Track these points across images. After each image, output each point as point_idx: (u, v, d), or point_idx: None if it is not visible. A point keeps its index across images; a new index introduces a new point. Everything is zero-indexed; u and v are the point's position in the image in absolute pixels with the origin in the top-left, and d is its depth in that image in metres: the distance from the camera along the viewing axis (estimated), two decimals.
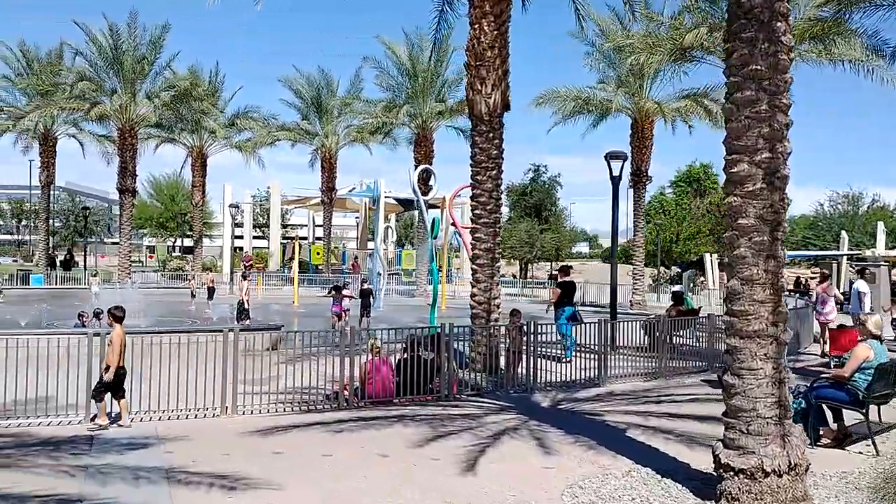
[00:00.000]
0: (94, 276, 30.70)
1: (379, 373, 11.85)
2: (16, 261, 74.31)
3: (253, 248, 60.80)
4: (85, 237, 64.19)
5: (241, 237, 49.86)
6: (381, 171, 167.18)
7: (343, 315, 22.51)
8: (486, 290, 14.49)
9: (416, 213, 69.96)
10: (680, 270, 59.07)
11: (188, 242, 79.18)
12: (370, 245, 63.07)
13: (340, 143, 46.13)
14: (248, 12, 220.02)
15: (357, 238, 71.48)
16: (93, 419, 9.96)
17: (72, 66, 40.33)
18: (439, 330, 12.55)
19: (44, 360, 10.20)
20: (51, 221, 48.66)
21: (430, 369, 12.27)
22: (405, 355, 12.20)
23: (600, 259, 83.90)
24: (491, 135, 14.59)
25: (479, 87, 14.56)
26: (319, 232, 73.23)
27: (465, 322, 14.65)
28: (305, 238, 64.54)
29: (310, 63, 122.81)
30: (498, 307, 14.74)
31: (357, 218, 74.66)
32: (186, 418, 10.63)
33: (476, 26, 14.73)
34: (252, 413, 11.02)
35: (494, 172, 14.61)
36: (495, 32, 14.65)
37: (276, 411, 11.16)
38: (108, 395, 10.04)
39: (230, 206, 42.59)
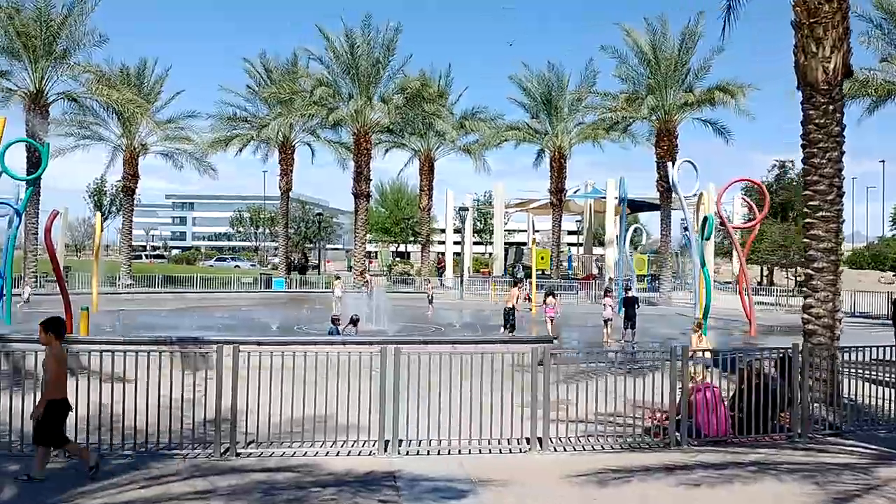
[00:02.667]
0: (337, 279, 30.56)
1: (715, 405, 9.49)
2: (253, 265, 78.96)
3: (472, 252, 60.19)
4: (315, 243, 66.64)
5: (461, 242, 49.15)
6: (591, 172, 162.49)
7: (606, 325, 20.34)
8: (827, 300, 11.57)
9: (639, 215, 66.48)
10: None
11: (408, 248, 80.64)
12: (595, 249, 60.50)
13: (573, 140, 43.74)
14: (470, 10, 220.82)
15: (581, 243, 68.95)
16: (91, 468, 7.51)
17: (306, 71, 40.63)
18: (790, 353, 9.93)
19: (332, 374, 8.75)
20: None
21: (775, 402, 9.71)
22: (744, 384, 9.74)
23: (846, 264, 75.55)
24: (830, 107, 11.69)
25: (814, 50, 11.71)
26: (538, 236, 71.53)
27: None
28: (525, 243, 63.08)
29: (538, 60, 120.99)
30: (840, 322, 11.79)
31: (578, 221, 72.17)
32: (489, 452, 8.86)
33: None
34: (564, 449, 9.05)
35: (836, 154, 11.68)
36: None
37: (593, 448, 9.12)
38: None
39: (459, 209, 41.63)
